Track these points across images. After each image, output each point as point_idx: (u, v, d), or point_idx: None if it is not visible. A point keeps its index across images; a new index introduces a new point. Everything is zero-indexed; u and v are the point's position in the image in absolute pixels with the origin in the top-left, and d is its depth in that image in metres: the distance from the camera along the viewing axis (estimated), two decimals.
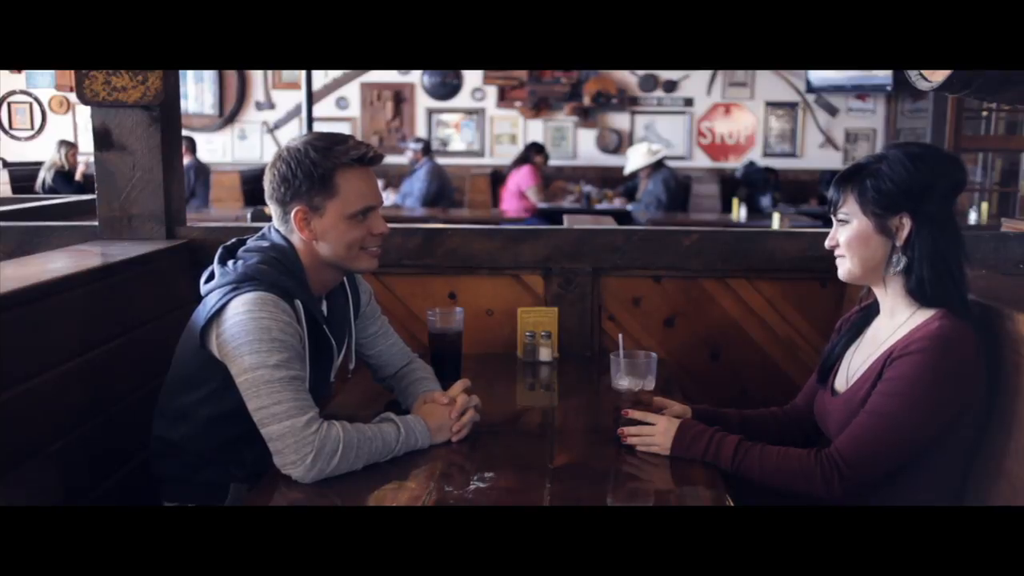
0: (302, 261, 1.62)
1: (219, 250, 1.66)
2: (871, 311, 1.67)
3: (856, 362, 1.63)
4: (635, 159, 6.72)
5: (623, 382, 1.66)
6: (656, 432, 1.57)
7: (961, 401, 1.47)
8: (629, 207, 6.81)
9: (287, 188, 1.57)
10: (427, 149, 7.20)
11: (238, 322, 1.50)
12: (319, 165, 1.55)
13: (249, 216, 5.71)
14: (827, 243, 1.62)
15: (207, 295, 1.60)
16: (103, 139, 2.19)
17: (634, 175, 6.86)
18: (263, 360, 1.47)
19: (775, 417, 1.82)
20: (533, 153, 7.23)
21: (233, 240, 1.70)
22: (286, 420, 1.44)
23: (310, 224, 1.59)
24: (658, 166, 6.66)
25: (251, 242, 1.66)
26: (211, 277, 1.62)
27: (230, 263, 1.61)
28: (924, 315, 1.52)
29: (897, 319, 1.57)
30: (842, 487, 1.47)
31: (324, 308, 1.71)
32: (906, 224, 1.51)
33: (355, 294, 1.81)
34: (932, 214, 1.50)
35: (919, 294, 1.52)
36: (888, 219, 1.52)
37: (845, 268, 1.59)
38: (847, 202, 1.56)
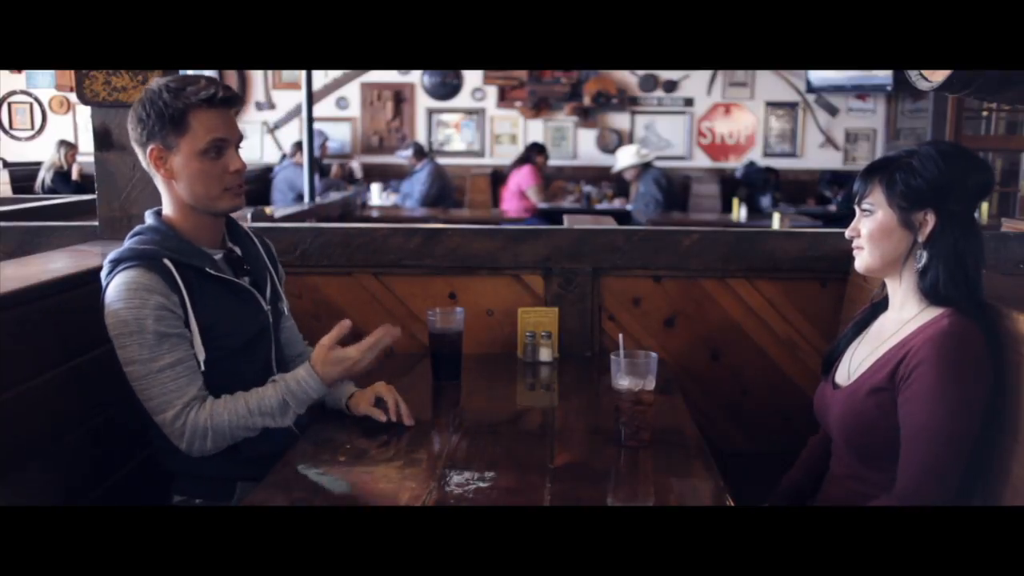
0: (173, 222, 1.66)
1: None
2: (878, 307, 1.68)
3: (859, 356, 1.63)
4: (623, 159, 6.77)
5: (623, 382, 1.66)
6: None
7: (985, 390, 1.46)
8: (629, 207, 6.82)
9: (143, 128, 1.62)
10: (421, 153, 7.19)
11: (107, 315, 1.57)
12: (170, 105, 1.59)
13: (249, 216, 5.68)
14: (847, 233, 1.61)
15: None
16: (103, 139, 2.19)
17: (621, 174, 6.88)
18: (129, 356, 1.55)
19: (820, 443, 1.79)
20: (534, 153, 7.23)
21: None
22: (158, 415, 1.58)
23: (166, 163, 1.62)
24: (646, 167, 6.67)
25: None
26: None
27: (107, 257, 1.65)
28: (933, 312, 1.52)
29: (905, 314, 1.57)
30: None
31: (238, 250, 1.75)
32: (930, 220, 1.51)
33: (264, 244, 1.84)
34: (956, 213, 1.51)
35: (932, 292, 1.52)
36: (913, 214, 1.52)
37: (863, 260, 1.59)
38: (873, 192, 1.56)
